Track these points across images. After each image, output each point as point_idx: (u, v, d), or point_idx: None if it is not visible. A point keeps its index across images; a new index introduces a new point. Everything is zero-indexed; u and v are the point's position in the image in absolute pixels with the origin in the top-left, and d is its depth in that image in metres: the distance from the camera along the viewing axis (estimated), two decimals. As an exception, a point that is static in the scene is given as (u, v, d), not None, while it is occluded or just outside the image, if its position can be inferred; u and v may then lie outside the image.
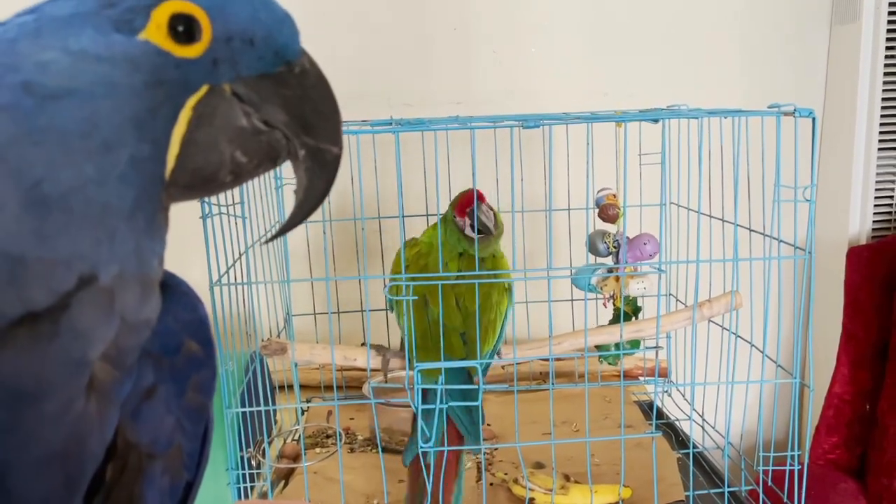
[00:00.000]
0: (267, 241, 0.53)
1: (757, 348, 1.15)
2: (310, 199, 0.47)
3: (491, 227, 1.16)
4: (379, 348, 1.20)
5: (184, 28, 0.41)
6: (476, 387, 1.12)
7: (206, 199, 1.02)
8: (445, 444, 1.09)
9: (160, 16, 0.41)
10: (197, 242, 1.01)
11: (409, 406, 1.14)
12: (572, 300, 1.41)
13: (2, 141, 0.37)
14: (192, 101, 0.42)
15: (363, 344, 1.23)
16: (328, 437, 1.43)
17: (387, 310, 1.40)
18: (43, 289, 0.38)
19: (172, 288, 0.49)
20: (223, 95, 0.43)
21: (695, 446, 1.28)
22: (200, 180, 0.44)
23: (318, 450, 1.38)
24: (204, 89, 0.42)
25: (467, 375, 1.14)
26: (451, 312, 1.15)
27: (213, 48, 0.42)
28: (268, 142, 0.45)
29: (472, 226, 1.16)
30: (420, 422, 1.07)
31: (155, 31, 0.41)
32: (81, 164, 0.38)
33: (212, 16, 0.42)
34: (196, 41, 0.42)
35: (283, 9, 0.45)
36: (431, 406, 1.08)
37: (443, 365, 1.10)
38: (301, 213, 0.48)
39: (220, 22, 0.42)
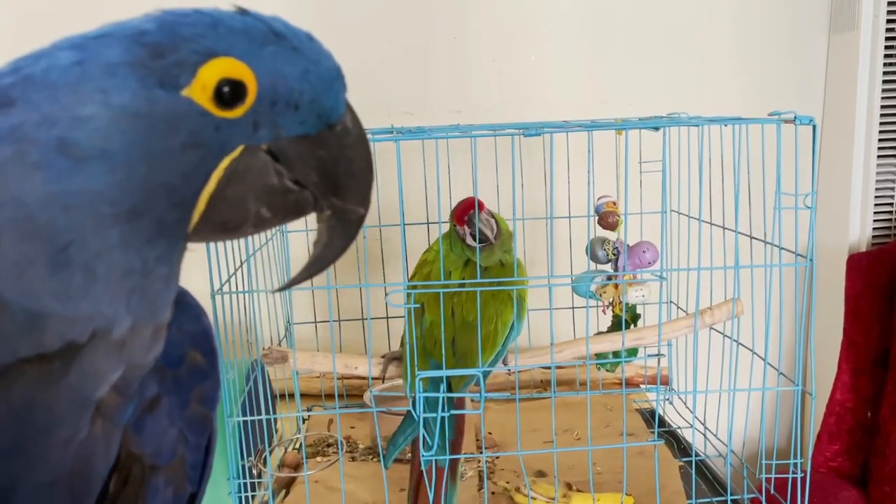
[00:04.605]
0: (275, 291, 0.52)
1: (758, 356, 1.14)
2: (326, 255, 0.46)
3: (490, 234, 1.13)
4: (384, 356, 1.20)
5: (230, 90, 0.39)
6: (441, 395, 1.11)
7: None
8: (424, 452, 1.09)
9: (207, 76, 0.39)
10: (198, 251, 1.01)
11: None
12: (573, 308, 1.41)
13: (33, 202, 0.36)
14: (225, 162, 0.41)
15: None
16: (329, 445, 1.42)
17: (386, 317, 1.41)
18: (56, 338, 0.38)
19: (176, 298, 0.49)
20: (258, 155, 0.42)
21: (697, 454, 1.27)
22: (222, 231, 0.43)
23: (319, 459, 1.37)
24: (240, 149, 0.41)
25: (447, 386, 1.12)
26: (445, 322, 1.13)
27: (256, 110, 0.41)
28: (295, 200, 0.44)
29: (472, 234, 1.14)
30: (421, 429, 1.06)
31: (199, 92, 0.39)
32: (108, 229, 0.38)
33: (260, 79, 0.40)
34: (239, 104, 0.40)
35: (335, 65, 0.43)
36: (429, 415, 1.08)
37: (442, 373, 1.09)
38: (315, 268, 0.46)
39: (268, 85, 0.40)
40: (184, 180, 0.39)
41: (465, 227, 1.14)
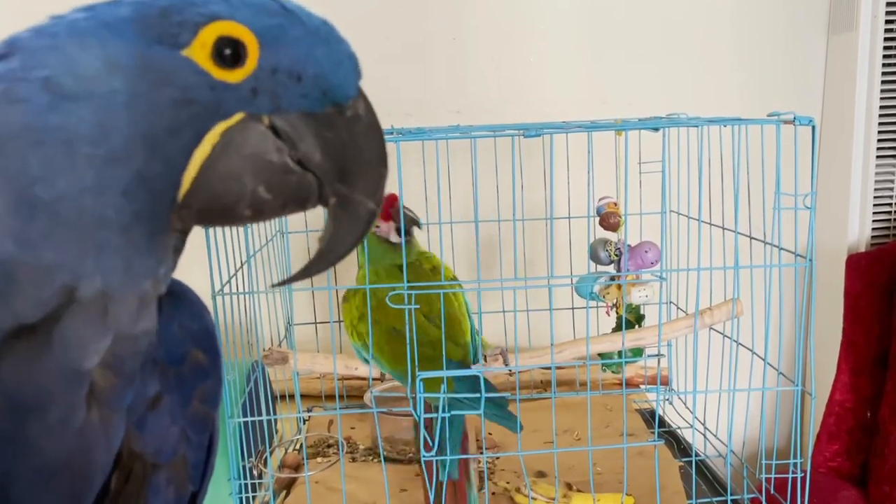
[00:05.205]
0: (276, 286, 0.51)
1: (758, 356, 1.15)
2: (333, 250, 0.44)
3: (418, 219, 1.18)
4: None
5: (230, 52, 0.39)
6: (477, 395, 1.12)
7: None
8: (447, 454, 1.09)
9: (207, 35, 0.39)
10: (199, 252, 1.01)
11: (412, 415, 1.14)
12: (573, 308, 1.41)
13: (6, 135, 0.36)
14: (221, 127, 0.40)
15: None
16: (329, 446, 1.42)
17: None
18: (29, 299, 0.37)
19: (179, 296, 0.49)
20: (258, 127, 0.41)
21: (697, 454, 1.27)
22: (216, 208, 0.41)
23: (319, 459, 1.37)
24: (238, 117, 0.40)
25: (477, 378, 1.13)
26: (428, 327, 1.13)
27: (256, 77, 0.40)
28: (297, 182, 0.42)
29: (396, 228, 1.15)
30: (422, 431, 1.06)
31: (199, 50, 0.39)
32: (81, 171, 0.37)
33: (262, 43, 0.40)
34: (239, 66, 0.40)
35: (348, 48, 0.43)
36: (438, 415, 1.08)
37: (442, 373, 1.09)
38: (321, 264, 0.45)
39: (270, 52, 0.40)
40: (171, 135, 0.39)
41: (391, 222, 1.15)
